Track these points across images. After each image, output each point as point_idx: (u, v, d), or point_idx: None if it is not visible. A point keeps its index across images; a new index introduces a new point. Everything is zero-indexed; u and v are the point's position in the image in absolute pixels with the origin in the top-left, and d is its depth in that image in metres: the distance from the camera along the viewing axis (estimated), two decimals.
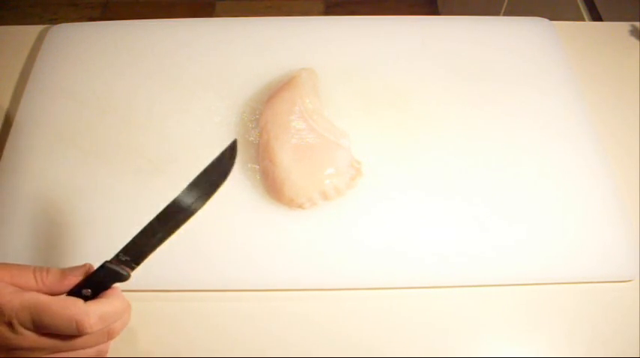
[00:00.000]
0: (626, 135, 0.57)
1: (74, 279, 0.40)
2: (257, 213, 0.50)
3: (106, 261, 0.40)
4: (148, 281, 0.47)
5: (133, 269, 0.41)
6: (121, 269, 0.40)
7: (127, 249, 0.41)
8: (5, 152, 0.54)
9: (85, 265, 0.41)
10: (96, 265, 0.40)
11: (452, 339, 0.46)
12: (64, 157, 0.53)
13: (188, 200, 0.41)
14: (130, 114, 0.56)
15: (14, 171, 0.53)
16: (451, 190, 0.52)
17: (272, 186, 0.50)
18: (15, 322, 0.36)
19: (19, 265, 0.40)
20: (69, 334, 0.37)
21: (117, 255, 0.41)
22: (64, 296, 0.39)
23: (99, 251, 0.48)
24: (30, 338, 0.37)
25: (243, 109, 0.57)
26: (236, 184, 0.52)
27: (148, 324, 0.43)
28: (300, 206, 0.50)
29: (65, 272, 0.40)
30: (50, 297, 0.38)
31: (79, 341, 0.38)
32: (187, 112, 0.57)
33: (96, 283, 0.40)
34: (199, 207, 0.41)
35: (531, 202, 0.51)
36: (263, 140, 0.52)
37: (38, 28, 0.66)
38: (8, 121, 0.57)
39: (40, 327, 0.37)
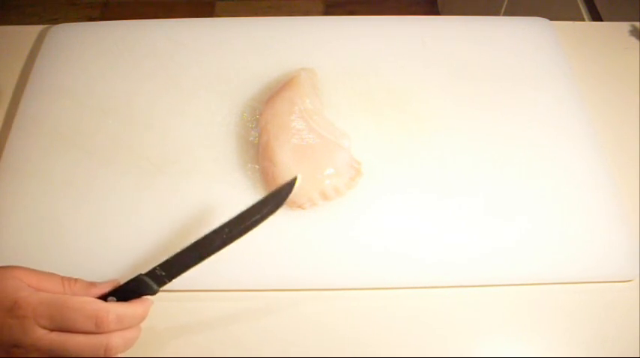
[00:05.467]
0: (626, 135, 0.57)
1: (100, 291, 0.41)
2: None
3: (141, 273, 0.41)
4: None
5: (164, 284, 0.42)
6: (153, 284, 0.41)
7: (164, 265, 0.41)
8: (5, 152, 0.54)
9: (114, 280, 0.42)
10: (118, 274, 0.41)
11: (452, 339, 0.46)
12: (64, 157, 0.53)
13: (234, 227, 0.42)
14: (130, 114, 0.56)
15: (14, 171, 0.53)
16: (451, 190, 0.52)
17: (272, 186, 0.50)
18: (30, 315, 0.37)
19: (47, 272, 0.41)
20: (86, 330, 0.38)
21: (153, 269, 0.41)
22: (82, 296, 0.40)
23: (99, 251, 0.48)
24: (37, 334, 0.37)
25: (243, 109, 0.57)
26: (236, 184, 0.52)
27: (147, 324, 0.43)
28: (300, 206, 0.50)
29: (93, 283, 0.41)
30: (69, 295, 0.39)
31: (80, 345, 0.38)
32: (187, 112, 0.57)
33: (124, 292, 0.41)
34: (242, 235, 0.42)
35: (531, 202, 0.51)
36: (263, 140, 0.52)
37: (38, 28, 0.65)
38: (8, 121, 0.57)
39: (59, 322, 0.37)
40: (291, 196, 0.49)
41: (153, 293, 0.41)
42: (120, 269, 0.47)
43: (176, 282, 0.46)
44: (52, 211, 0.50)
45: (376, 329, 0.46)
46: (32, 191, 0.51)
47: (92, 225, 0.50)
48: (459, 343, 0.46)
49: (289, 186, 0.43)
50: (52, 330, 0.38)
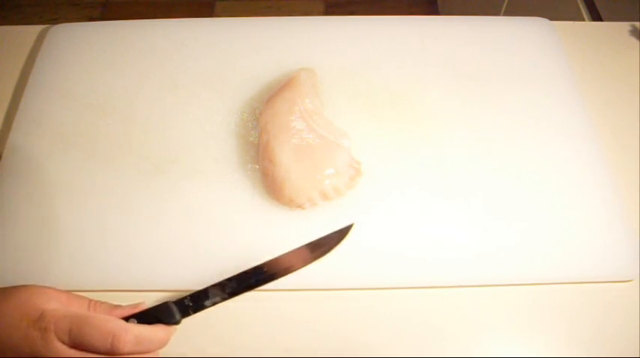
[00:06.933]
0: (626, 135, 0.57)
1: (123, 313, 0.41)
2: (257, 213, 0.50)
3: (170, 301, 0.41)
4: (147, 280, 0.47)
5: (187, 316, 0.42)
6: (178, 313, 0.41)
7: (194, 296, 0.42)
8: (5, 152, 0.54)
9: (139, 303, 0.42)
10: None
11: (452, 339, 0.46)
12: (64, 157, 0.54)
13: (274, 268, 0.43)
14: (130, 114, 0.56)
15: (14, 171, 0.53)
16: (451, 190, 0.52)
17: (272, 186, 0.50)
18: (51, 328, 0.37)
19: (75, 293, 0.42)
20: (102, 348, 0.37)
21: (183, 299, 0.42)
22: (106, 315, 0.40)
23: (99, 251, 0.48)
24: (56, 348, 0.37)
25: (243, 109, 0.57)
26: (236, 184, 0.52)
27: None
28: (300, 206, 0.50)
29: (118, 305, 0.41)
30: (94, 313, 0.39)
31: None
32: (187, 112, 0.57)
33: (147, 317, 0.41)
34: (280, 277, 0.43)
35: (531, 202, 0.51)
36: (263, 140, 0.52)
37: (38, 28, 0.66)
38: (8, 121, 0.57)
39: (76, 337, 0.37)
40: (291, 196, 0.50)
41: (176, 322, 0.41)
42: (119, 269, 0.47)
43: (177, 282, 0.47)
44: (51, 211, 0.50)
45: (376, 329, 0.46)
46: (32, 191, 0.51)
47: (92, 225, 0.50)
48: (459, 343, 0.46)
49: (341, 234, 0.45)
50: (72, 347, 0.37)
